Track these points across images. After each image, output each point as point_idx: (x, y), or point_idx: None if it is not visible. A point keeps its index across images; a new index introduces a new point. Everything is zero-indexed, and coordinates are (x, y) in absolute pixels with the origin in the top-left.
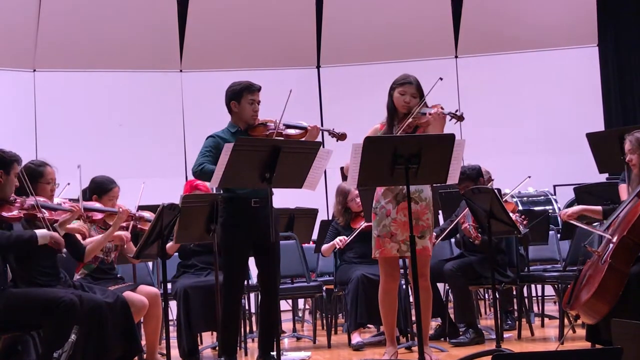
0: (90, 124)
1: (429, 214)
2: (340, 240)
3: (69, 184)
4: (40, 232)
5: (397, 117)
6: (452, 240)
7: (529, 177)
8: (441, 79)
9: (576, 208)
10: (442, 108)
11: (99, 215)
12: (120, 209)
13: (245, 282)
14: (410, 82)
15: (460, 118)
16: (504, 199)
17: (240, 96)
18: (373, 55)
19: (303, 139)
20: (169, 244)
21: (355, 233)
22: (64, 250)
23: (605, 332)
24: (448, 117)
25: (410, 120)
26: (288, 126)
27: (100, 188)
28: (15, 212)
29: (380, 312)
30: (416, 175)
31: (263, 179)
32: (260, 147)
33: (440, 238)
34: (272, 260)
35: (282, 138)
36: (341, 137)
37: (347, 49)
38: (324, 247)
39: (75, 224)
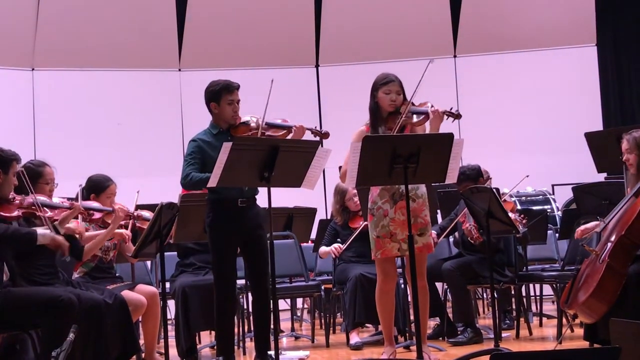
0: (88, 122)
1: (426, 210)
2: (335, 249)
3: (80, 185)
4: (41, 231)
5: (381, 118)
6: (451, 239)
7: (527, 176)
8: (432, 61)
9: (591, 225)
10: (432, 105)
11: (97, 215)
12: (118, 208)
13: (244, 282)
14: (392, 80)
15: (457, 116)
16: (502, 199)
17: (219, 97)
18: (372, 55)
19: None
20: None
21: (353, 237)
22: (67, 255)
23: (603, 331)
24: (445, 116)
25: (402, 119)
26: (270, 126)
27: (97, 186)
28: (14, 211)
29: (377, 311)
30: (415, 175)
31: (262, 178)
32: (259, 147)
33: (441, 237)
34: (260, 258)
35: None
36: (324, 135)
37: (345, 48)
38: (322, 249)
39: (72, 225)
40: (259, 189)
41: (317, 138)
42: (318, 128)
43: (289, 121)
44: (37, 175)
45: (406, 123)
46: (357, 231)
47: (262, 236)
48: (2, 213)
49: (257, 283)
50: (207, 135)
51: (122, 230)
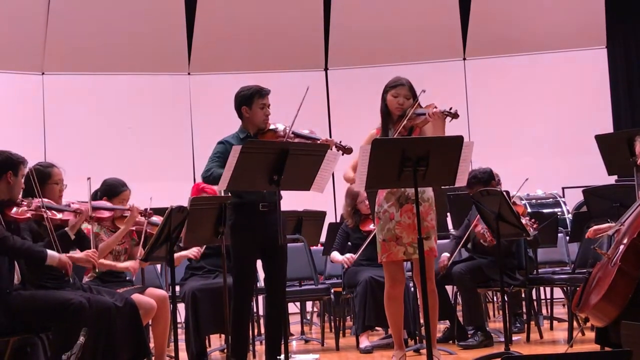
0: (98, 126)
1: (433, 214)
2: (347, 259)
3: (89, 178)
4: (51, 253)
5: (391, 121)
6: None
7: (527, 179)
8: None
9: (605, 226)
10: (436, 107)
11: (107, 214)
12: (131, 207)
13: (255, 285)
14: (402, 84)
15: (455, 116)
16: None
17: (252, 101)
18: (381, 58)
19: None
20: (177, 254)
21: (366, 243)
22: (70, 274)
23: (614, 334)
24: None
25: (405, 122)
26: (297, 135)
27: (111, 190)
28: (26, 214)
29: (386, 315)
30: (424, 178)
31: (271, 181)
32: (269, 150)
33: (456, 250)
34: (279, 263)
35: None
36: (347, 151)
37: (354, 52)
38: (334, 256)
39: (82, 255)
40: (282, 194)
41: (340, 152)
42: (342, 143)
43: (316, 133)
44: (46, 177)
45: (413, 125)
46: (370, 235)
47: (281, 240)
48: (14, 215)
49: (274, 288)
50: (234, 139)
51: (129, 264)
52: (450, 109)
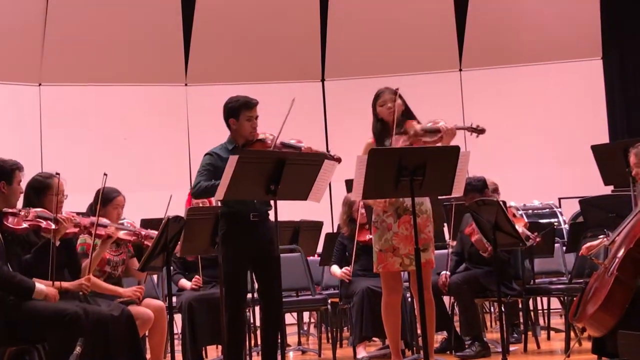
0: (95, 137)
1: (430, 226)
2: (345, 273)
3: (105, 174)
4: (39, 287)
5: (387, 134)
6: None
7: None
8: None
9: (597, 242)
10: (446, 125)
11: (102, 230)
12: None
13: (251, 295)
14: (382, 91)
15: (481, 131)
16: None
17: (238, 113)
18: (377, 69)
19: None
20: (180, 283)
21: (354, 251)
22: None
23: (611, 344)
24: (468, 132)
25: (410, 140)
26: (285, 145)
27: (104, 197)
28: (22, 224)
29: (384, 325)
30: (421, 187)
31: (268, 191)
32: (265, 160)
33: (459, 267)
34: (272, 274)
35: None
36: (337, 160)
37: (351, 63)
38: (334, 270)
39: (74, 284)
40: (279, 204)
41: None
42: (332, 153)
43: (302, 142)
44: (45, 187)
45: (415, 142)
46: (354, 245)
47: (273, 251)
48: (11, 225)
49: (269, 299)
50: (222, 151)
51: (130, 291)
52: (471, 124)
